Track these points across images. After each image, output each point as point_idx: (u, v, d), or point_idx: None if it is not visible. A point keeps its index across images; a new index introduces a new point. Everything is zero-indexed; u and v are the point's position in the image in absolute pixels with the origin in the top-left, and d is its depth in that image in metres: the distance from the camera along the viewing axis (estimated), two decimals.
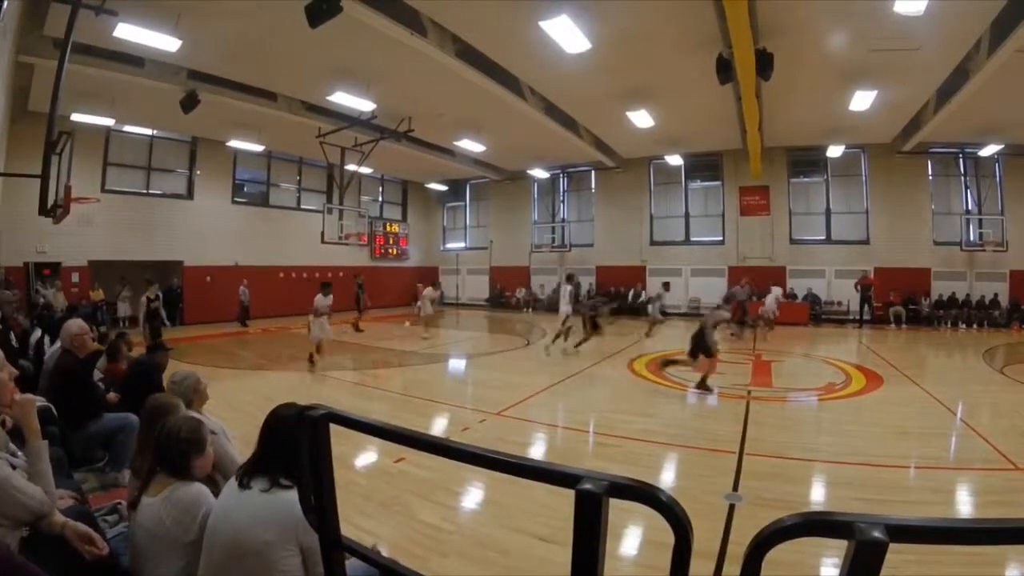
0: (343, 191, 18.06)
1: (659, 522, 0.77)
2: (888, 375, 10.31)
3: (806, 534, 0.71)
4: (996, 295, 18.58)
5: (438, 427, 7.08)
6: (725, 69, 10.39)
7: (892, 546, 0.64)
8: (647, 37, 10.60)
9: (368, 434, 1.10)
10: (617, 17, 9.79)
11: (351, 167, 17.83)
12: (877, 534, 0.65)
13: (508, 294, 25.17)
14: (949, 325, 18.53)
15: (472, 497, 4.79)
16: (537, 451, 6.29)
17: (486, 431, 6.67)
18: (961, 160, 19.38)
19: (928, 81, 13.00)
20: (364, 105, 13.88)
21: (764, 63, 10.07)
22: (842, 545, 0.68)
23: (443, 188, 26.55)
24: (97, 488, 4.02)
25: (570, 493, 0.80)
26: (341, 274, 22.78)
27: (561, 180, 24.78)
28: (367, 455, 5.62)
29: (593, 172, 23.86)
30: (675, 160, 20.85)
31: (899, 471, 5.59)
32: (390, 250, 25.93)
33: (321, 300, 11.02)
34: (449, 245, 28.19)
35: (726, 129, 17.28)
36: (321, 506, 1.13)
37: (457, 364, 11.88)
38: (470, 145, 18.82)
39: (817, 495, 5.13)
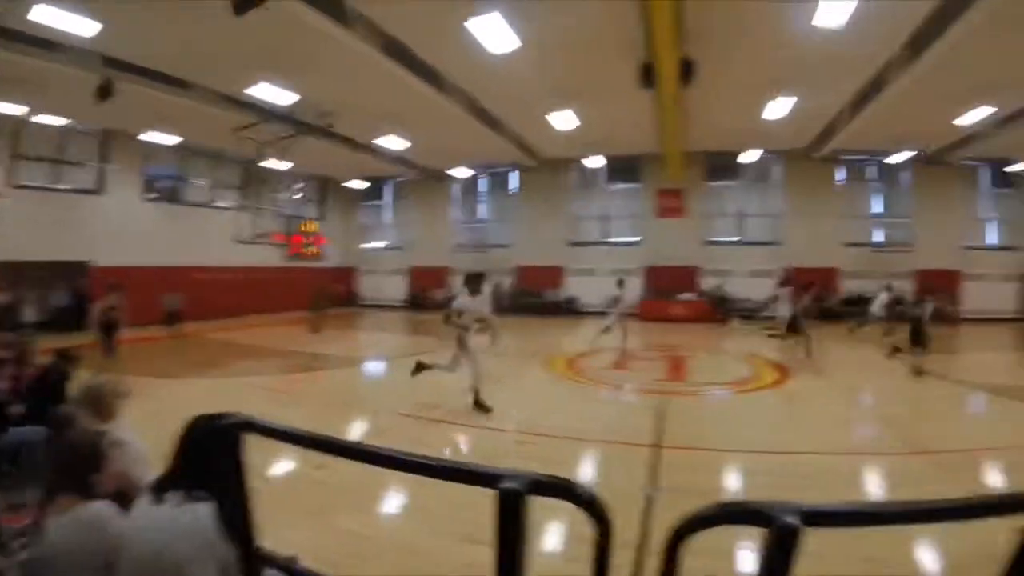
0: (260, 188, 17.35)
1: (581, 516, 0.77)
2: (798, 369, 10.92)
3: (723, 523, 0.73)
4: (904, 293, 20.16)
5: (356, 432, 6.93)
6: (648, 75, 10.70)
7: (808, 530, 0.67)
8: (576, 39, 10.73)
9: (285, 442, 1.06)
10: (547, 18, 9.85)
11: (269, 163, 17.17)
12: (792, 520, 0.68)
13: (427, 295, 24.84)
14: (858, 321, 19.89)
15: (394, 502, 4.73)
16: (457, 452, 6.27)
17: (404, 433, 6.59)
18: (872, 166, 21.10)
19: (843, 91, 13.92)
20: (286, 98, 13.37)
21: (686, 70, 10.43)
22: (761, 531, 0.70)
23: (363, 186, 25.83)
24: (3, 508, 3.69)
25: (492, 493, 0.80)
26: (260, 276, 21.98)
27: (483, 180, 24.79)
28: (284, 463, 5.41)
29: (515, 172, 23.99)
30: (596, 162, 21.26)
31: (811, 459, 5.96)
32: (307, 250, 24.85)
33: (468, 302, 7.64)
34: (368, 245, 27.53)
35: (647, 133, 17.72)
36: (238, 518, 1.08)
37: (375, 367, 11.65)
38: (392, 142, 18.40)
39: (733, 484, 5.38)
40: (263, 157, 16.76)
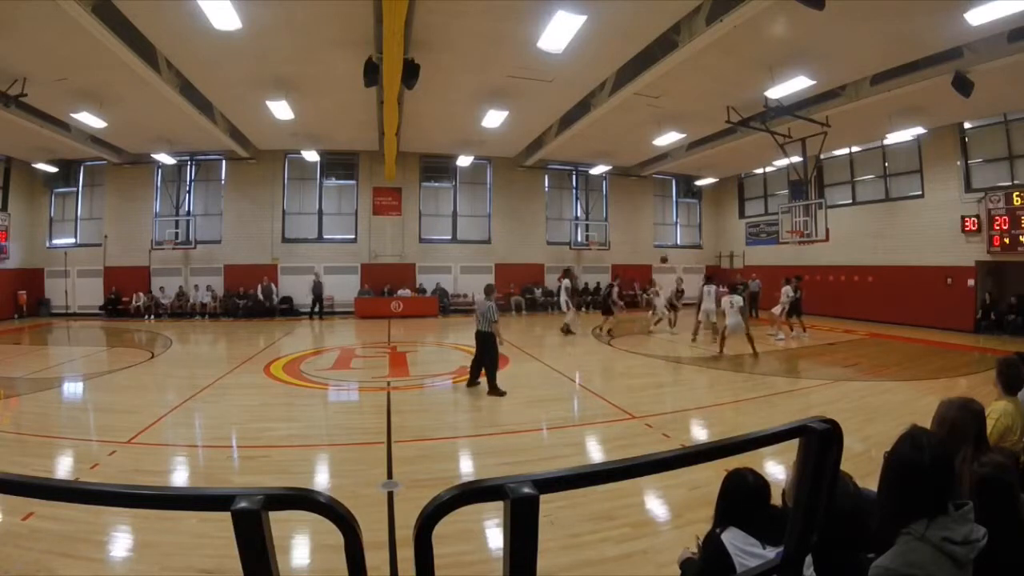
0: None
1: (327, 525, 0.74)
2: (513, 354, 12.02)
3: (465, 503, 0.78)
4: (597, 283, 23.94)
5: (63, 468, 5.62)
6: (373, 72, 10.65)
7: (543, 496, 0.74)
8: (302, 27, 10.19)
9: None
10: (277, 2, 9.19)
11: None
12: (527, 490, 0.75)
13: (126, 299, 21.05)
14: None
15: (122, 543, 3.98)
16: (181, 477, 5.51)
17: (120, 464, 5.52)
18: (574, 176, 24.80)
19: (555, 109, 15.74)
20: None
21: (410, 72, 10.61)
22: (501, 507, 0.75)
23: (53, 170, 20.57)
24: None
25: (228, 516, 0.75)
26: None
27: (189, 168, 21.89)
28: None
29: (224, 162, 21.79)
30: (312, 156, 20.67)
31: (536, 434, 6.68)
32: None
33: None
34: (57, 241, 21.86)
35: (365, 130, 17.87)
36: None
37: (73, 389, 9.52)
38: (90, 119, 15.06)
39: (467, 467, 5.76)
40: None
